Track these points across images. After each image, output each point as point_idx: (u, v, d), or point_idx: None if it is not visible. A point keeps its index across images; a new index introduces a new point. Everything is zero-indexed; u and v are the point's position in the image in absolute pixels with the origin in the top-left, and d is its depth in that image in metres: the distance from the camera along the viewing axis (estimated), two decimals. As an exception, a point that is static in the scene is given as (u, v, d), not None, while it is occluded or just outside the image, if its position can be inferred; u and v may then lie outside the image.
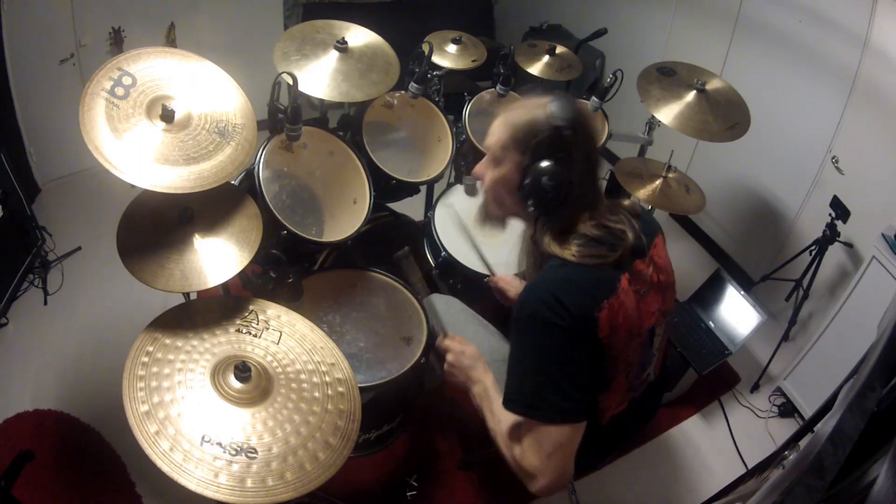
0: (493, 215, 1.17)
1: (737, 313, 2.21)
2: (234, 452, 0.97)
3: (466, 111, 2.02)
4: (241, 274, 1.30)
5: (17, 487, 1.25)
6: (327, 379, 1.17)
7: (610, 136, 2.25)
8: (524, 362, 1.01)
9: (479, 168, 1.13)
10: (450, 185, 1.97)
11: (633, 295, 1.04)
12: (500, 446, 1.08)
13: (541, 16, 3.75)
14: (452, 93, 2.20)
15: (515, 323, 1.01)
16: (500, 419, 1.08)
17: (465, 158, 1.96)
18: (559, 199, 1.02)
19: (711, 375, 2.20)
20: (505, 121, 1.06)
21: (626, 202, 1.15)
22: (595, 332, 0.98)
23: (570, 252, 1.01)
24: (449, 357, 1.24)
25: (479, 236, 1.84)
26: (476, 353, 1.24)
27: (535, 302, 0.98)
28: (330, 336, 1.26)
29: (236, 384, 1.06)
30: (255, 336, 1.19)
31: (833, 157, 2.30)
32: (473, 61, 2.21)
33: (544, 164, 1.00)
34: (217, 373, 1.08)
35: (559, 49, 2.43)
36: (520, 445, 1.02)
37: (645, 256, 1.09)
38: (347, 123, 1.83)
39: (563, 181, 1.01)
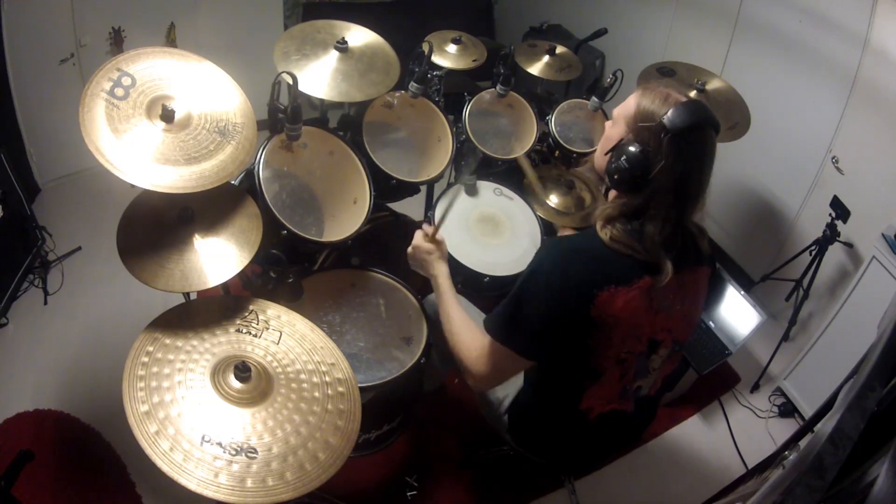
0: (592, 163, 1.22)
1: (737, 313, 2.21)
2: (234, 452, 0.97)
3: (466, 111, 2.02)
4: (241, 274, 1.30)
5: (17, 487, 1.25)
6: (327, 379, 1.17)
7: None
8: (512, 291, 1.12)
9: (608, 123, 1.18)
10: (450, 185, 1.97)
11: (646, 301, 1.06)
12: (448, 336, 1.25)
13: (541, 16, 3.75)
14: (452, 93, 2.19)
15: (531, 263, 1.11)
16: (452, 318, 1.25)
17: (465, 158, 1.96)
18: (625, 184, 1.05)
19: (711, 375, 2.20)
20: (639, 95, 1.07)
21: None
22: (588, 306, 1.03)
23: (607, 233, 1.05)
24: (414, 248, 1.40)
25: (478, 236, 1.84)
26: (437, 251, 1.37)
27: (544, 259, 1.09)
28: (330, 336, 1.26)
29: (236, 384, 1.06)
30: (255, 336, 1.19)
31: (833, 157, 2.30)
32: (473, 61, 2.20)
33: (633, 147, 1.03)
34: (217, 373, 1.08)
35: (559, 49, 2.43)
36: (473, 344, 1.18)
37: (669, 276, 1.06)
38: (347, 123, 1.82)
39: (640, 173, 1.02)
